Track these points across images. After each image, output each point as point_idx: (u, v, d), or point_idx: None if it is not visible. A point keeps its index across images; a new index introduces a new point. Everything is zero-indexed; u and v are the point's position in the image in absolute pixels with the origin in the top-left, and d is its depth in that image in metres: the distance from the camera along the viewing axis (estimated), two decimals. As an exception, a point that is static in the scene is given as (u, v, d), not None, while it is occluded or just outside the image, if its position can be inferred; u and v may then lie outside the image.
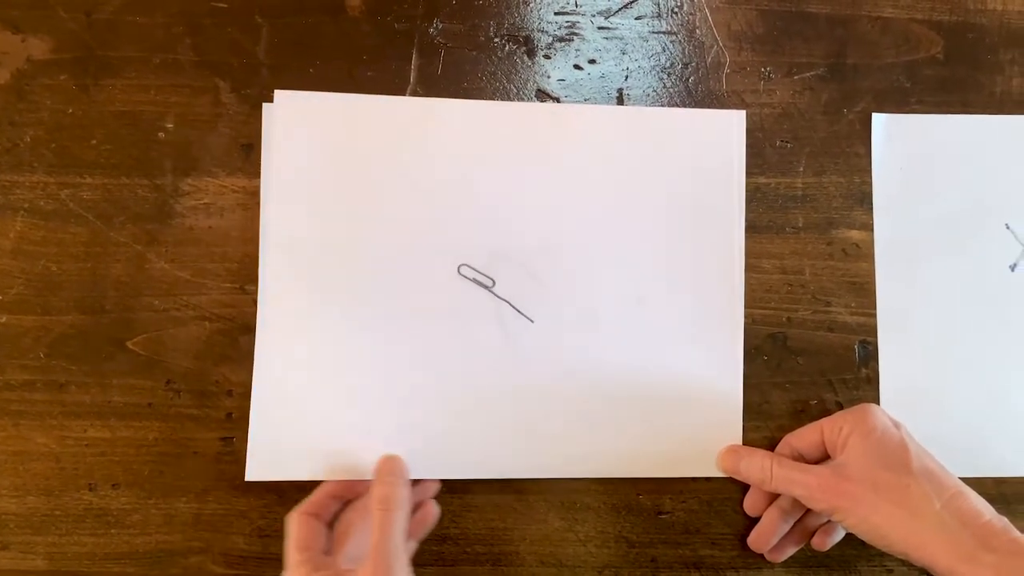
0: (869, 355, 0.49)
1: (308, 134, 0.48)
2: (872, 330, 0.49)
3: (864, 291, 0.50)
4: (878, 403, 0.49)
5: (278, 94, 0.48)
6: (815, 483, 0.42)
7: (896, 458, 0.42)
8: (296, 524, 0.42)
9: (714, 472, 0.48)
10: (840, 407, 0.49)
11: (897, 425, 0.44)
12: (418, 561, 0.47)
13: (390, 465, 0.45)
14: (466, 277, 0.48)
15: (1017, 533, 0.39)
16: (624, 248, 0.49)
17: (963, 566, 0.38)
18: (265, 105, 0.48)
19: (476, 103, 0.49)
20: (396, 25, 0.50)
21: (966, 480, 0.42)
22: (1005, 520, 0.40)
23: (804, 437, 0.47)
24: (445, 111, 0.49)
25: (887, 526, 0.40)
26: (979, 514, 0.40)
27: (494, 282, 0.48)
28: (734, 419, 0.48)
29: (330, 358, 0.47)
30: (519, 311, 0.48)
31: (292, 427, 0.46)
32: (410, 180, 0.48)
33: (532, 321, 0.48)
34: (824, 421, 0.46)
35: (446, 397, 0.47)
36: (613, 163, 0.49)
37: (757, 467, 0.45)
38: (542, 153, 0.49)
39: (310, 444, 0.46)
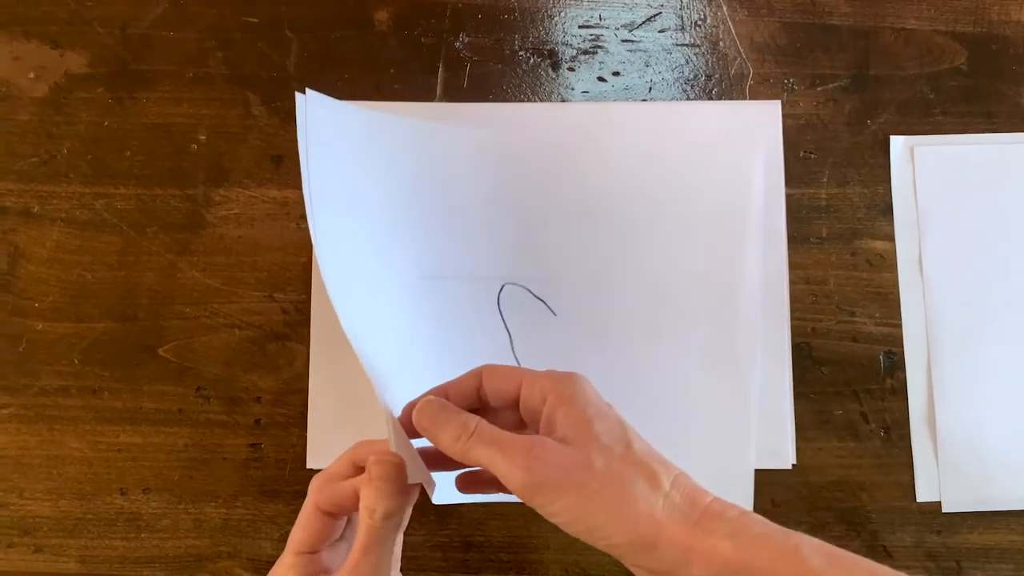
0: (894, 365, 0.49)
1: (335, 138, 0.49)
2: (897, 340, 0.49)
3: (888, 301, 0.49)
4: (907, 415, 0.49)
5: (299, 96, 0.49)
6: (522, 462, 0.34)
7: (615, 436, 0.35)
8: (304, 519, 0.38)
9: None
10: (865, 418, 0.49)
11: (609, 405, 0.37)
12: (442, 568, 0.47)
13: (385, 469, 0.36)
14: (485, 294, 0.49)
15: (743, 508, 0.34)
16: (646, 253, 0.49)
17: (697, 541, 0.33)
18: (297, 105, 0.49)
19: (501, 105, 0.50)
20: (423, 39, 0.51)
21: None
22: (727, 501, 0.35)
23: (496, 383, 0.38)
24: (472, 114, 0.50)
25: (608, 511, 0.34)
26: (704, 493, 0.35)
27: (508, 303, 0.49)
28: (745, 446, 0.48)
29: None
30: (546, 310, 0.48)
31: (345, 423, 0.48)
32: (435, 191, 0.49)
33: (550, 329, 0.48)
34: (523, 375, 0.37)
35: None
36: (642, 160, 0.50)
37: (452, 434, 0.36)
38: (571, 154, 0.50)
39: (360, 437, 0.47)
